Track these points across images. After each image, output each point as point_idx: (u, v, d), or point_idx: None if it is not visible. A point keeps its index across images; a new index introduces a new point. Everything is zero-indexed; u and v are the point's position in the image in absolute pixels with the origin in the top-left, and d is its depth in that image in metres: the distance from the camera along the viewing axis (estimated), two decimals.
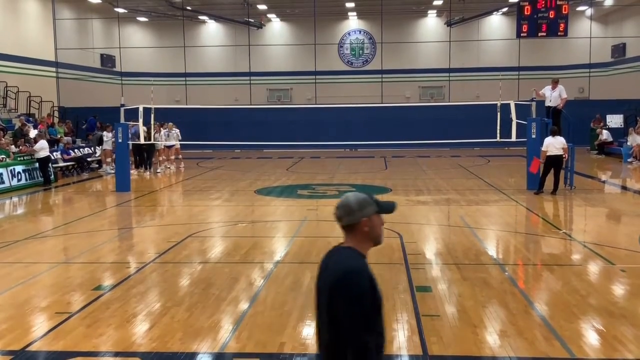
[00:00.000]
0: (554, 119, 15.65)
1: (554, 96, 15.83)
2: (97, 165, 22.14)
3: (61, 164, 20.21)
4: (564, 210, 13.23)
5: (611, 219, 12.48)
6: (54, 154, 20.25)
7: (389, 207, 2.97)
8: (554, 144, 14.25)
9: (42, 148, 17.70)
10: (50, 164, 18.70)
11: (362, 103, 31.15)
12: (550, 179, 14.58)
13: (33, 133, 19.76)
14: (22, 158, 17.74)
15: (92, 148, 23.05)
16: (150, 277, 7.87)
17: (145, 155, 21.70)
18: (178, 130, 22.50)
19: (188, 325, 6.01)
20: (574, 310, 6.33)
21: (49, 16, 29.38)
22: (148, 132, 18.42)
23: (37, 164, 17.84)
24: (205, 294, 7.02)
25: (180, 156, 22.90)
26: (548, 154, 14.23)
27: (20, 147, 18.29)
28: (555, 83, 16.05)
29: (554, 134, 14.43)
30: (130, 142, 17.61)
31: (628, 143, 23.57)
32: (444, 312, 6.33)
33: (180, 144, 22.62)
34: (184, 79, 35.59)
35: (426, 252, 9.21)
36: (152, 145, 20.95)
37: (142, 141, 18.06)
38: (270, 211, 13.38)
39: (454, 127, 27.18)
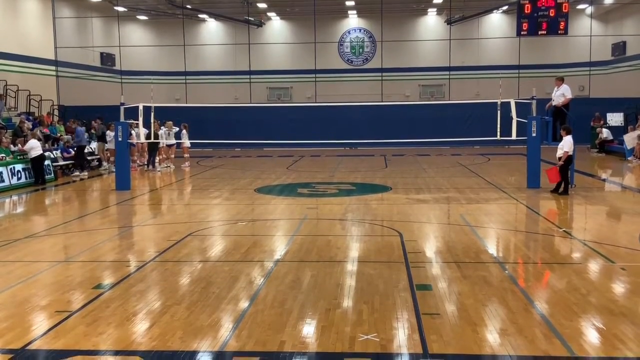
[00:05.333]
0: (560, 118, 15.51)
1: (557, 95, 15.69)
2: (97, 164, 22.12)
3: (61, 162, 20.19)
4: (564, 209, 13.22)
5: (611, 217, 12.48)
6: (54, 152, 20.24)
7: None
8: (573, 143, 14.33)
9: (32, 147, 17.58)
10: (50, 162, 18.69)
11: (362, 101, 31.16)
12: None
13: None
14: (21, 157, 17.72)
15: (90, 143, 22.91)
16: (150, 276, 7.87)
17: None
18: (180, 129, 22.47)
19: (188, 323, 6.01)
20: (574, 309, 6.33)
21: (48, 15, 29.37)
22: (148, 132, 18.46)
23: (31, 163, 17.68)
24: (206, 292, 7.02)
25: (186, 155, 22.83)
26: (570, 153, 14.23)
27: (19, 146, 18.27)
28: (559, 81, 15.87)
29: (570, 132, 14.40)
30: (130, 141, 17.62)
31: (625, 141, 23.54)
32: (444, 310, 6.33)
33: (179, 143, 22.61)
34: (184, 77, 35.57)
35: (426, 251, 9.20)
36: (155, 144, 21.05)
37: (142, 140, 18.07)
38: (270, 210, 13.38)
39: (454, 126, 27.18)
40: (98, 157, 22.32)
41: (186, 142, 22.49)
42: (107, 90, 32.93)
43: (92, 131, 23.71)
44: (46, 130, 22.44)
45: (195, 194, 16.39)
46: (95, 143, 22.81)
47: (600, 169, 20.99)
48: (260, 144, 27.61)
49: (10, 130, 20.42)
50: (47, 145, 21.00)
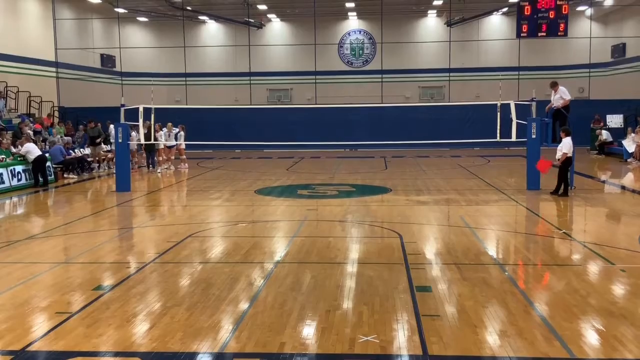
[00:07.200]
0: (560, 120, 15.52)
1: (555, 98, 15.71)
2: (97, 165, 22.08)
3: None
4: (564, 210, 13.23)
5: (611, 219, 12.48)
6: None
7: None
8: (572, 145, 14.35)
9: (29, 151, 17.56)
10: (51, 164, 18.65)
11: (362, 103, 31.17)
12: (553, 179, 14.59)
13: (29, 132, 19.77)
14: (21, 158, 17.72)
15: (84, 146, 22.81)
16: (151, 277, 7.87)
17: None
18: (178, 131, 22.47)
19: (188, 325, 6.01)
20: (574, 310, 6.33)
21: (49, 16, 29.39)
22: (147, 133, 18.47)
23: (31, 166, 17.65)
24: (206, 294, 7.03)
25: (183, 156, 22.83)
26: (569, 155, 14.25)
27: (19, 147, 18.26)
28: (555, 86, 15.87)
29: (569, 134, 14.43)
30: (129, 143, 17.62)
31: (625, 146, 23.53)
32: (444, 312, 6.33)
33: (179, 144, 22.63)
34: (184, 79, 35.61)
35: (426, 252, 9.21)
36: (153, 145, 21.05)
37: (142, 141, 18.08)
38: (270, 211, 13.38)
39: (454, 127, 27.20)
40: (90, 159, 22.14)
41: (182, 143, 22.50)
42: (108, 92, 32.97)
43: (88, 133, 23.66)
44: (38, 126, 22.35)
45: (196, 195, 16.39)
46: (87, 148, 22.62)
47: (600, 171, 20.99)
48: (260, 145, 27.61)
49: (10, 132, 20.41)
50: (47, 147, 20.98)
